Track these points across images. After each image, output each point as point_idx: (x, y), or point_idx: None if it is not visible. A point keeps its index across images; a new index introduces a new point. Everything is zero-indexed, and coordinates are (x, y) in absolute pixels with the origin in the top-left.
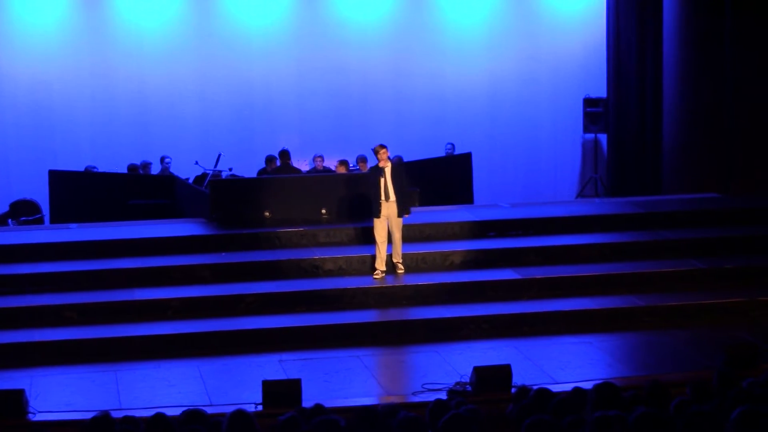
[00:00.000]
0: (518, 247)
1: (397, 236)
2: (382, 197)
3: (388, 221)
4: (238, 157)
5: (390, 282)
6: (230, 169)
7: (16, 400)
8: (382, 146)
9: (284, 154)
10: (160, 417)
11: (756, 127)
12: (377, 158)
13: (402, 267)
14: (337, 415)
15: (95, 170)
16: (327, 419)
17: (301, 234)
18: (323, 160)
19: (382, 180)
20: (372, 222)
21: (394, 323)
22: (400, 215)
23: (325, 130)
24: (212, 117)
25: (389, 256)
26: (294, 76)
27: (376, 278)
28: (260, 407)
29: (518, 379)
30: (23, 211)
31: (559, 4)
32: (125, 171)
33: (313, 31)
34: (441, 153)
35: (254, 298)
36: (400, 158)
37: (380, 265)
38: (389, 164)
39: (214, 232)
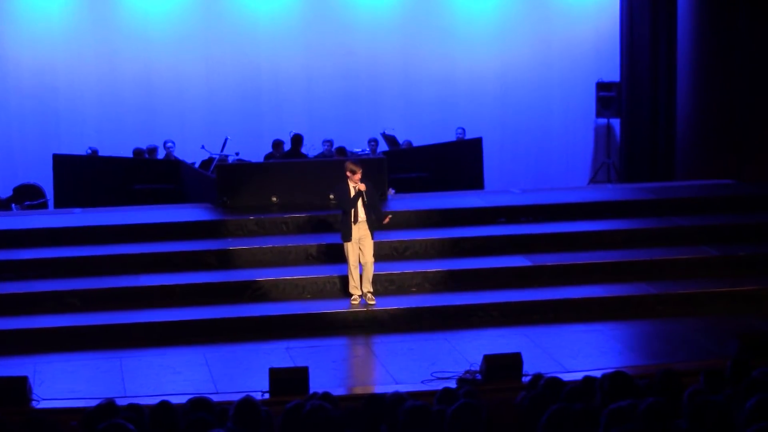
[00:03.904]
0: (529, 233)
1: (369, 259)
2: (352, 219)
3: (359, 244)
4: (245, 142)
5: (398, 269)
6: (237, 154)
7: (20, 387)
8: (359, 166)
9: (295, 139)
10: (165, 405)
11: None
12: (353, 179)
13: (373, 298)
14: (344, 404)
15: (97, 153)
16: (319, 406)
17: (309, 219)
18: (332, 145)
19: (358, 203)
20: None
21: (402, 310)
22: (372, 232)
23: (334, 114)
24: (219, 100)
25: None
26: (302, 59)
27: (354, 304)
28: (267, 395)
29: (529, 367)
30: (27, 195)
31: None
32: (130, 155)
33: (321, 13)
34: (451, 137)
35: (261, 284)
36: (410, 142)
37: (354, 290)
38: (364, 186)
39: (221, 217)
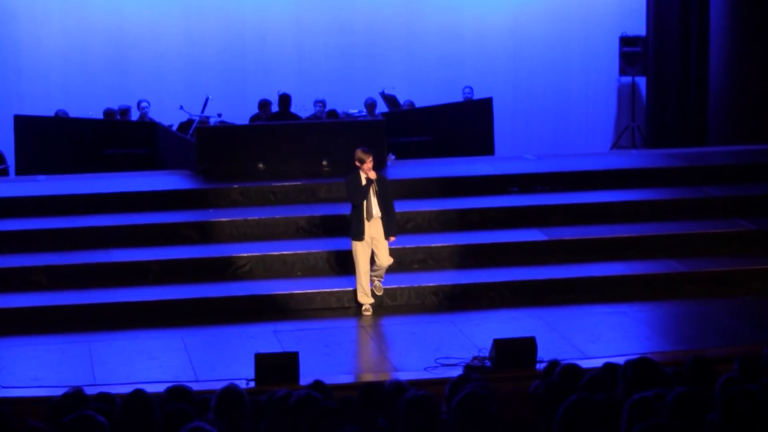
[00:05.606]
0: (544, 204)
1: (385, 262)
2: (365, 214)
3: (371, 244)
4: (228, 102)
5: (398, 244)
6: (219, 115)
7: None
8: (369, 153)
9: (284, 99)
10: (139, 394)
11: None
12: (362, 168)
13: (381, 288)
14: (337, 393)
15: (66, 115)
16: (308, 396)
17: (300, 188)
18: (325, 106)
19: (369, 194)
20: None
21: (403, 290)
22: (387, 237)
23: (327, 71)
24: (199, 56)
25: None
26: (292, 10)
27: (366, 314)
28: (252, 383)
29: (544, 353)
30: None
31: None
32: (101, 116)
33: None
34: (458, 98)
35: (246, 260)
36: (412, 103)
37: (364, 299)
38: (375, 174)
39: (201, 185)
